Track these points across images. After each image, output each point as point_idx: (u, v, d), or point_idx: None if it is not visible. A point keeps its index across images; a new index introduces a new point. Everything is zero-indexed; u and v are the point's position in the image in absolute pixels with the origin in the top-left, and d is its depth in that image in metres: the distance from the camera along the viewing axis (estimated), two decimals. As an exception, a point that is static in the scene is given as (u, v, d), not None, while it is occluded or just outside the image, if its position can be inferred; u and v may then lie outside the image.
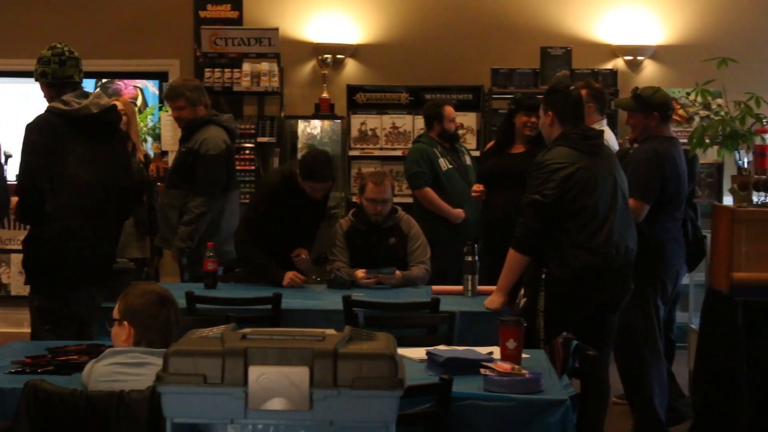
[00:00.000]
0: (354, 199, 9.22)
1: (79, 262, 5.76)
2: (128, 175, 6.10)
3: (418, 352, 4.52)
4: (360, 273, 6.81)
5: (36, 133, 5.73)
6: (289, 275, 6.76)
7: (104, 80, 10.99)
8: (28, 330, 6.84)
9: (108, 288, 5.78)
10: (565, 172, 5.63)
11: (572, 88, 6.02)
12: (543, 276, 5.70)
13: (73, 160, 5.75)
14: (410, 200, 8.48)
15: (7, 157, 10.66)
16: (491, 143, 7.98)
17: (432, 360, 4.34)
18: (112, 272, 5.98)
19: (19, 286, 10.27)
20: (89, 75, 11.16)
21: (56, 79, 5.90)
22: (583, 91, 6.51)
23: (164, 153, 10.35)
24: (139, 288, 4.18)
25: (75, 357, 4.56)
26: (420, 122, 9.10)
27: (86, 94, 5.87)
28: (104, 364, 4.02)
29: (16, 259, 10.19)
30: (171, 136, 10.17)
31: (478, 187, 7.55)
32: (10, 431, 3.63)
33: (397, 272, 6.83)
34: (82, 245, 5.78)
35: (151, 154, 9.53)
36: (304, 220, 7.03)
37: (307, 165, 6.92)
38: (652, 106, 6.55)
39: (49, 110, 5.85)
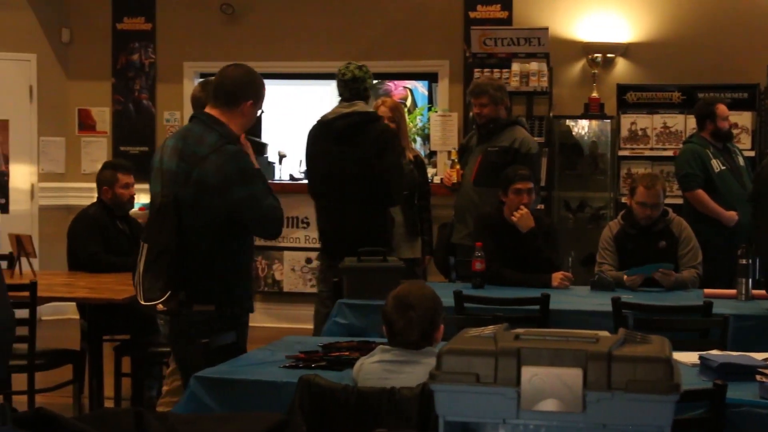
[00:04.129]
0: (623, 200, 9.10)
1: (322, 234, 7.39)
2: (368, 168, 7.00)
3: (690, 357, 4.42)
4: (624, 277, 6.71)
5: None
6: (558, 276, 6.73)
7: (375, 81, 11.19)
8: (300, 326, 7.08)
9: None
10: None
11: None
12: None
13: (313, 157, 7.29)
14: (681, 201, 8.31)
15: (282, 156, 11.04)
16: None
17: (705, 365, 4.24)
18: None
19: (291, 283, 10.59)
20: (361, 77, 11.49)
21: (339, 95, 7.33)
22: None
23: (433, 153, 10.46)
24: (394, 291, 4.25)
25: (347, 353, 4.65)
26: (692, 122, 8.89)
27: (347, 105, 7.18)
28: (372, 362, 4.10)
29: (289, 256, 10.51)
30: (440, 136, 10.29)
31: None
32: (286, 423, 3.74)
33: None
34: (323, 221, 7.34)
35: (422, 154, 9.65)
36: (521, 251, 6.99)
37: (504, 176, 7.07)
38: None
39: None
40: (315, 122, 7.46)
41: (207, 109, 5.04)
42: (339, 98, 7.34)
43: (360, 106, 7.16)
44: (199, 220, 4.88)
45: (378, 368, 4.04)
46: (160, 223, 4.88)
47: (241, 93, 4.99)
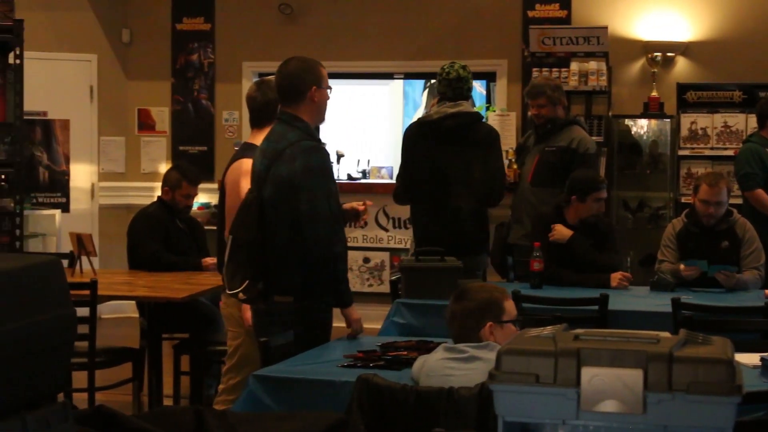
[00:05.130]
0: (683, 199, 9.03)
1: (422, 235, 7.20)
2: (475, 168, 7.01)
3: (752, 358, 4.38)
4: (681, 267, 6.67)
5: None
6: (617, 276, 6.68)
7: (432, 81, 11.19)
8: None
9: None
10: None
11: None
12: None
13: (414, 156, 7.20)
14: (740, 201, 8.22)
15: (339, 156, 11.08)
16: None
17: (767, 366, 4.20)
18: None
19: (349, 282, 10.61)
20: (419, 76, 11.51)
21: (438, 93, 7.35)
22: None
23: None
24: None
25: (405, 353, 4.66)
26: (753, 121, 8.80)
27: (452, 104, 7.10)
28: (435, 359, 4.10)
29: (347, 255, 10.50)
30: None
31: None
32: (345, 423, 3.74)
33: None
34: (423, 222, 7.24)
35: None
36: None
37: (581, 181, 6.96)
38: None
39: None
40: (413, 122, 7.56)
41: (282, 109, 5.14)
42: (438, 97, 7.35)
43: (465, 106, 7.17)
44: (277, 213, 5.00)
45: (441, 365, 4.04)
46: (243, 217, 5.04)
47: (303, 83, 5.08)
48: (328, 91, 5.19)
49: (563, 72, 9.92)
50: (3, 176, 7.24)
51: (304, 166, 4.94)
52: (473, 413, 3.65)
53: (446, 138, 7.07)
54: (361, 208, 5.53)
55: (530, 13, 10.53)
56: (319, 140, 5.14)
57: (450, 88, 7.16)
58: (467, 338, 4.10)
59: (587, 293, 6.12)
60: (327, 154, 5.17)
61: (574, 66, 9.93)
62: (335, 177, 10.63)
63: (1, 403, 2.56)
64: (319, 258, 4.98)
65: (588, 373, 2.57)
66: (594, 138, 9.29)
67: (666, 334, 2.76)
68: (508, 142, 10.13)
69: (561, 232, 6.85)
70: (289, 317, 4.98)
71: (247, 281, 5.01)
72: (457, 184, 7.05)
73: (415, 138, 7.28)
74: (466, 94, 7.25)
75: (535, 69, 9.99)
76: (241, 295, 5.08)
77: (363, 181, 11.17)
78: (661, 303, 5.92)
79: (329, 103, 5.23)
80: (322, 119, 5.24)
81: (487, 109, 10.76)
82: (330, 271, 5.04)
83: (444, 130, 7.07)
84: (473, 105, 11.22)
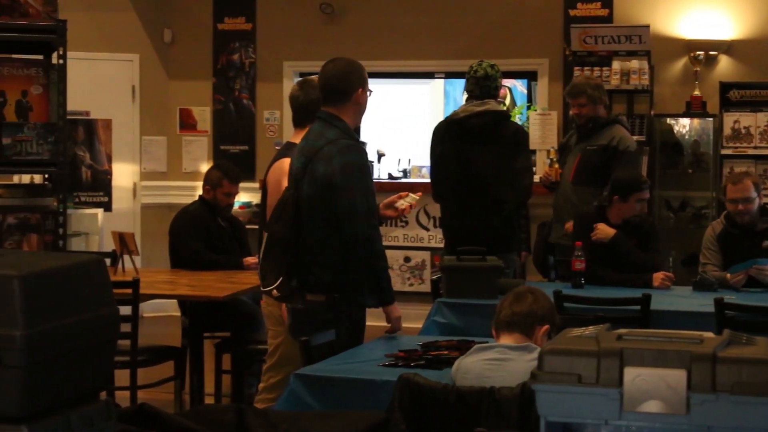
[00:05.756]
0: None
1: (452, 234, 7.27)
2: (503, 167, 7.00)
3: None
4: (728, 276, 6.60)
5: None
6: (659, 276, 6.64)
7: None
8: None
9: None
10: None
11: None
12: None
13: (442, 154, 7.24)
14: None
15: (380, 155, 11.09)
16: None
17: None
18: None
19: (390, 281, 10.61)
20: (460, 75, 11.47)
21: (466, 91, 7.36)
22: None
23: (532, 152, 10.40)
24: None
25: (446, 352, 4.66)
26: (797, 120, 8.74)
27: (479, 103, 7.11)
28: (471, 361, 4.09)
29: (388, 254, 10.46)
30: (539, 135, 10.22)
31: None
32: (386, 422, 3.74)
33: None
34: (452, 221, 7.28)
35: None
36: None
37: (624, 181, 6.93)
38: None
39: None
40: (441, 120, 7.58)
41: (323, 108, 5.16)
42: (466, 95, 7.37)
43: (492, 105, 7.17)
44: (313, 211, 5.03)
45: (477, 366, 4.04)
46: (279, 214, 5.07)
47: (349, 85, 5.12)
48: (369, 93, 5.23)
49: (605, 71, 9.86)
50: (46, 175, 7.29)
51: (342, 164, 4.97)
52: (515, 413, 3.65)
53: (472, 136, 7.09)
54: (404, 195, 5.49)
55: (572, 12, 10.48)
56: (357, 139, 5.16)
57: (477, 86, 7.17)
58: (521, 329, 4.12)
59: (629, 293, 6.08)
60: (365, 153, 5.20)
61: (616, 65, 9.87)
62: (374, 176, 10.68)
63: (45, 401, 2.58)
64: (360, 256, 5.00)
65: (631, 373, 2.56)
66: (636, 137, 9.23)
67: (709, 335, 2.75)
68: (550, 141, 10.12)
69: (604, 231, 6.82)
70: (323, 317, 4.98)
71: (281, 278, 5.04)
72: (483, 182, 7.06)
73: (443, 136, 7.30)
74: (494, 93, 7.24)
75: (576, 68, 9.94)
76: (275, 292, 5.10)
77: (404, 180, 11.17)
78: (704, 303, 5.88)
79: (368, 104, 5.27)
80: (360, 121, 5.27)
81: (528, 108, 10.73)
82: (368, 269, 5.05)
83: (470, 128, 7.09)
84: (514, 104, 11.23)
